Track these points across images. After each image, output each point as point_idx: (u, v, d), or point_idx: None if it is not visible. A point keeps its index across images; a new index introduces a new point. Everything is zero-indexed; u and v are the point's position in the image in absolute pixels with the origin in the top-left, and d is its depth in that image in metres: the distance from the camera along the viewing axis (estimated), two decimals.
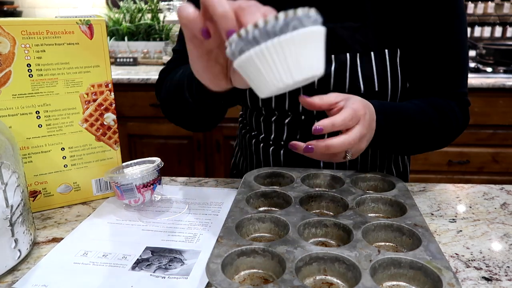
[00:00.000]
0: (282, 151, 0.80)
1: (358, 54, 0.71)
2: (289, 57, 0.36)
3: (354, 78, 0.70)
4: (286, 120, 0.78)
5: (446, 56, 0.73)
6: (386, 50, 0.71)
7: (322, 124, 0.55)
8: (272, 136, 0.81)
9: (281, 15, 0.35)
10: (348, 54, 0.71)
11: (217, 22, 0.39)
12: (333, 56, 0.71)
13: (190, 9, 0.42)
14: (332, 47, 0.71)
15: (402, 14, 0.71)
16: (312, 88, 0.72)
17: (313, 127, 0.55)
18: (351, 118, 0.56)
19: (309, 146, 0.56)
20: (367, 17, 0.71)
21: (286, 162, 0.79)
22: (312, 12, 0.36)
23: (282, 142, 0.80)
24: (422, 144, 0.74)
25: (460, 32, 0.73)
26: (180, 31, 0.81)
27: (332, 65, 0.71)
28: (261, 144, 0.83)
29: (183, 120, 0.73)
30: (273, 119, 0.79)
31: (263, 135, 0.82)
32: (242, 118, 0.91)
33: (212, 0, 0.40)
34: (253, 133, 0.85)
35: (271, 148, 0.81)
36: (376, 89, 0.71)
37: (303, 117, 0.76)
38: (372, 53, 0.71)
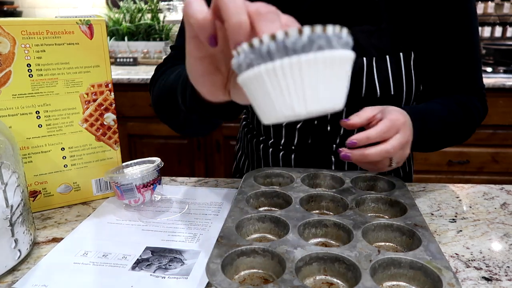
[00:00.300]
0: (293, 156, 0.79)
1: (374, 58, 0.71)
2: (308, 82, 0.29)
3: (371, 83, 0.70)
4: (298, 125, 0.77)
5: (462, 55, 0.74)
6: (401, 54, 0.71)
7: (356, 138, 0.56)
8: (283, 141, 0.80)
9: (307, 29, 0.28)
10: (365, 59, 0.70)
11: (228, 31, 0.33)
12: None
13: (200, 9, 0.35)
14: None
15: (416, 16, 0.71)
16: None
17: (347, 141, 0.57)
18: (387, 130, 0.56)
19: (346, 154, 0.57)
20: (382, 20, 0.71)
21: (297, 166, 0.79)
22: (344, 32, 0.29)
23: (293, 147, 0.79)
24: (449, 141, 0.75)
25: (473, 27, 0.74)
26: (181, 27, 0.78)
27: None
28: (270, 149, 0.82)
29: (174, 125, 0.69)
30: (283, 124, 0.79)
31: (272, 140, 0.82)
32: (247, 122, 0.90)
33: (227, 4, 0.33)
34: (261, 138, 0.84)
35: (281, 153, 0.81)
36: (392, 93, 0.71)
37: (315, 122, 0.76)
38: (387, 56, 0.71)
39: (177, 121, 0.66)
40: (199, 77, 0.42)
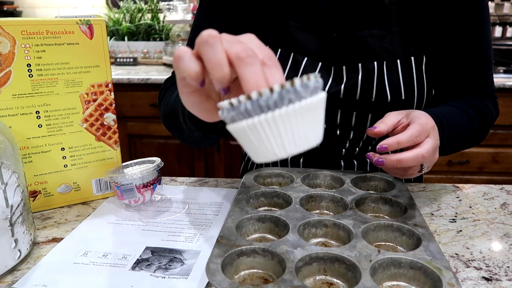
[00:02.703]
0: (301, 160, 0.79)
1: (385, 63, 0.70)
2: (284, 131, 0.33)
3: (381, 87, 0.70)
4: None
5: (475, 58, 0.73)
6: (412, 58, 0.71)
7: (386, 143, 0.55)
8: None
9: (277, 87, 0.32)
10: (375, 63, 0.70)
11: (213, 82, 0.36)
12: (360, 65, 0.71)
13: (192, 65, 0.37)
14: (360, 55, 0.71)
15: (427, 19, 0.71)
16: (337, 98, 0.72)
17: (377, 146, 0.55)
18: (418, 134, 0.55)
19: (380, 160, 0.55)
20: (392, 24, 0.70)
21: None
22: (312, 79, 0.33)
23: None
24: (466, 145, 0.74)
25: (487, 30, 0.73)
26: (190, 40, 0.77)
27: (359, 74, 0.70)
28: None
29: (182, 140, 0.72)
30: None
31: None
32: None
33: (210, 59, 0.35)
34: None
35: (289, 157, 0.80)
36: (403, 98, 0.71)
37: (325, 126, 0.75)
38: (398, 61, 0.70)
39: (183, 137, 0.68)
40: (193, 107, 0.44)
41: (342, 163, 0.78)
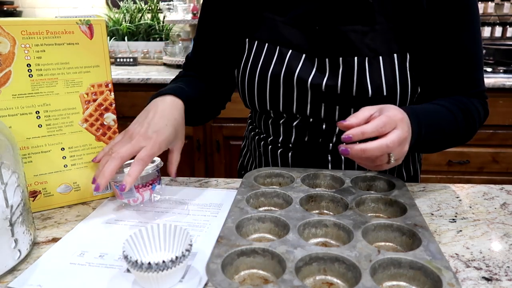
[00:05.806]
0: (290, 154, 0.80)
1: (366, 58, 0.70)
2: (161, 282, 0.47)
3: (362, 82, 0.70)
4: (294, 123, 0.77)
5: (460, 57, 0.73)
6: (395, 55, 0.71)
7: (351, 132, 0.55)
8: (281, 138, 0.80)
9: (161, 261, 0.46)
10: (356, 58, 0.70)
11: None
12: (341, 59, 0.71)
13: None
14: (341, 50, 0.71)
15: (412, 17, 0.70)
16: (320, 91, 0.72)
17: (342, 136, 0.56)
18: (383, 125, 0.56)
19: (345, 149, 0.56)
20: (375, 21, 0.71)
21: (294, 165, 0.79)
22: (180, 259, 0.47)
23: (290, 145, 0.79)
24: (449, 143, 0.74)
25: (475, 29, 0.73)
26: (195, 38, 0.87)
27: (340, 68, 0.71)
28: (270, 146, 0.82)
29: None
30: (281, 121, 0.79)
31: (271, 137, 0.82)
32: (251, 120, 0.91)
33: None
34: (262, 136, 0.85)
35: (279, 151, 0.81)
36: (385, 94, 0.71)
37: (311, 119, 0.76)
38: (380, 57, 0.71)
39: None
40: None
41: (330, 158, 0.78)
